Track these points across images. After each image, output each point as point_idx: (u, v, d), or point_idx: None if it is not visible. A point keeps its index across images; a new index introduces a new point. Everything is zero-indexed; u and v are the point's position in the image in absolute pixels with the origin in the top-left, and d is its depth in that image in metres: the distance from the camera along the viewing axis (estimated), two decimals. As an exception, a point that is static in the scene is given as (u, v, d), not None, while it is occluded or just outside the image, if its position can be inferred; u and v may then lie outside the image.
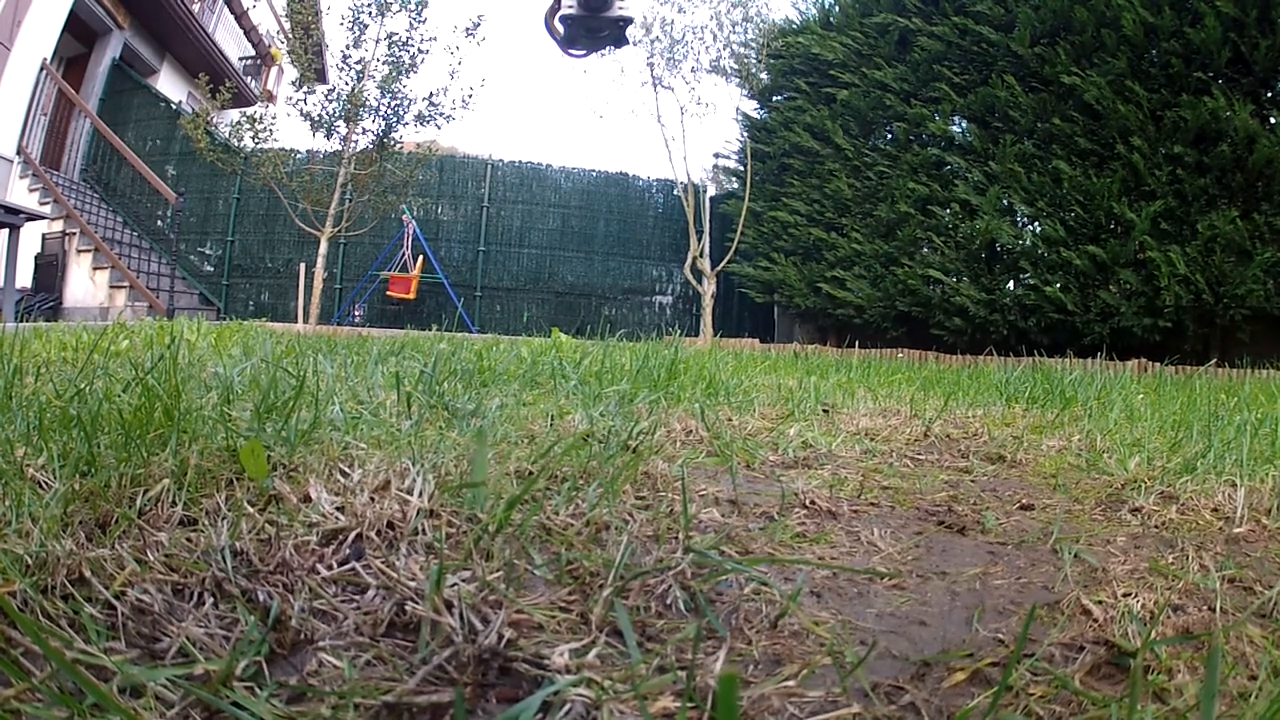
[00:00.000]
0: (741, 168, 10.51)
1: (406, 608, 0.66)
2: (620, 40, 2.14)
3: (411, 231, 10.74)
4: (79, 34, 11.09)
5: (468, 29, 9.72)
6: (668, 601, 0.74)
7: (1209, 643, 0.71)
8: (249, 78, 16.10)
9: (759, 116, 10.70)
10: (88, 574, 0.69)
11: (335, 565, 0.75)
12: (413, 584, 0.70)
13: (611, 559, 0.78)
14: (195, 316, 6.62)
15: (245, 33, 15.84)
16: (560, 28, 2.13)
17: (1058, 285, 7.36)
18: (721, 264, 10.26)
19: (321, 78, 10.58)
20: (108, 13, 11.17)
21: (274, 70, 17.24)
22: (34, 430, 1.04)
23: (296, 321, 9.37)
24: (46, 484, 0.88)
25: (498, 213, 11.68)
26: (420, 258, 10.86)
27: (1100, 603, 0.80)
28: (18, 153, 9.95)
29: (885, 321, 8.66)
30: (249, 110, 10.55)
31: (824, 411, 2.16)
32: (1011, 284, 8.02)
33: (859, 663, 0.65)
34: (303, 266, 10.04)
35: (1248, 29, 6.42)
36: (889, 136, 9.05)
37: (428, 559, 0.77)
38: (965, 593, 0.85)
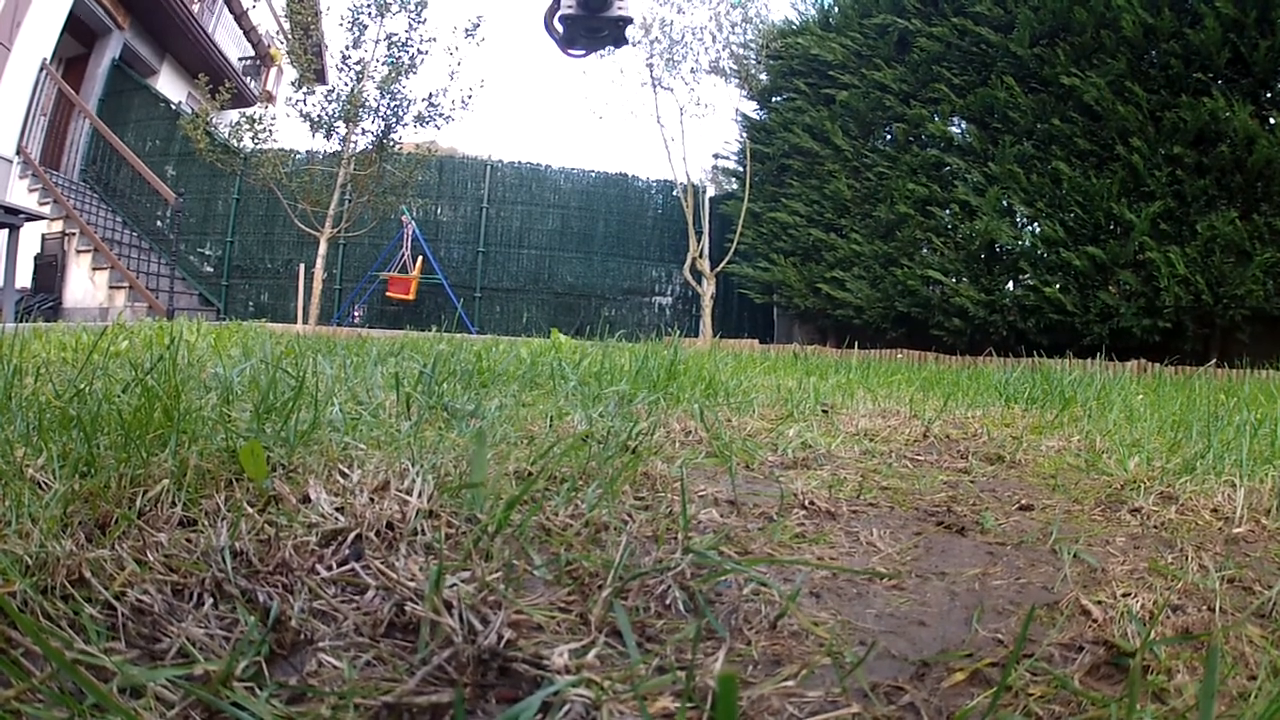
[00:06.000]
0: (741, 168, 10.51)
1: (406, 608, 0.66)
2: (620, 40, 2.14)
3: (411, 232, 10.74)
4: (79, 34, 11.09)
5: (467, 30, 9.73)
6: (667, 602, 0.74)
7: (1208, 643, 0.71)
8: (249, 78, 16.09)
9: (758, 117, 10.70)
10: (87, 574, 0.69)
11: (335, 566, 0.75)
12: (412, 584, 0.70)
13: (611, 559, 0.78)
14: (195, 317, 6.62)
15: (245, 33, 15.83)
16: (560, 28, 2.13)
17: (1057, 286, 7.36)
18: (721, 265, 10.27)
19: (321, 78, 10.58)
20: (107, 13, 11.17)
21: (273, 71, 17.24)
22: (34, 431, 1.04)
23: (296, 322, 9.36)
24: (46, 484, 0.88)
25: (497, 213, 11.68)
26: (420, 258, 10.87)
27: (1099, 603, 0.80)
28: (17, 153, 9.94)
29: (884, 322, 8.66)
30: (248, 111, 10.55)
31: (823, 412, 2.16)
32: (1011, 285, 8.02)
33: (858, 663, 0.65)
34: (302, 267, 10.04)
35: (1247, 30, 6.43)
36: (888, 137, 9.05)
37: (427, 559, 0.77)
38: (964, 593, 0.85)
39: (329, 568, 0.74)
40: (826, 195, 9.20)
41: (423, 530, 0.83)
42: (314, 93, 9.68)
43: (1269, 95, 6.72)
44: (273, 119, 9.63)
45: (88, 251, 9.64)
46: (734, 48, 10.65)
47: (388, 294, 10.81)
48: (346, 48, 9.66)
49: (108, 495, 0.85)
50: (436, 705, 0.54)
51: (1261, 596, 0.84)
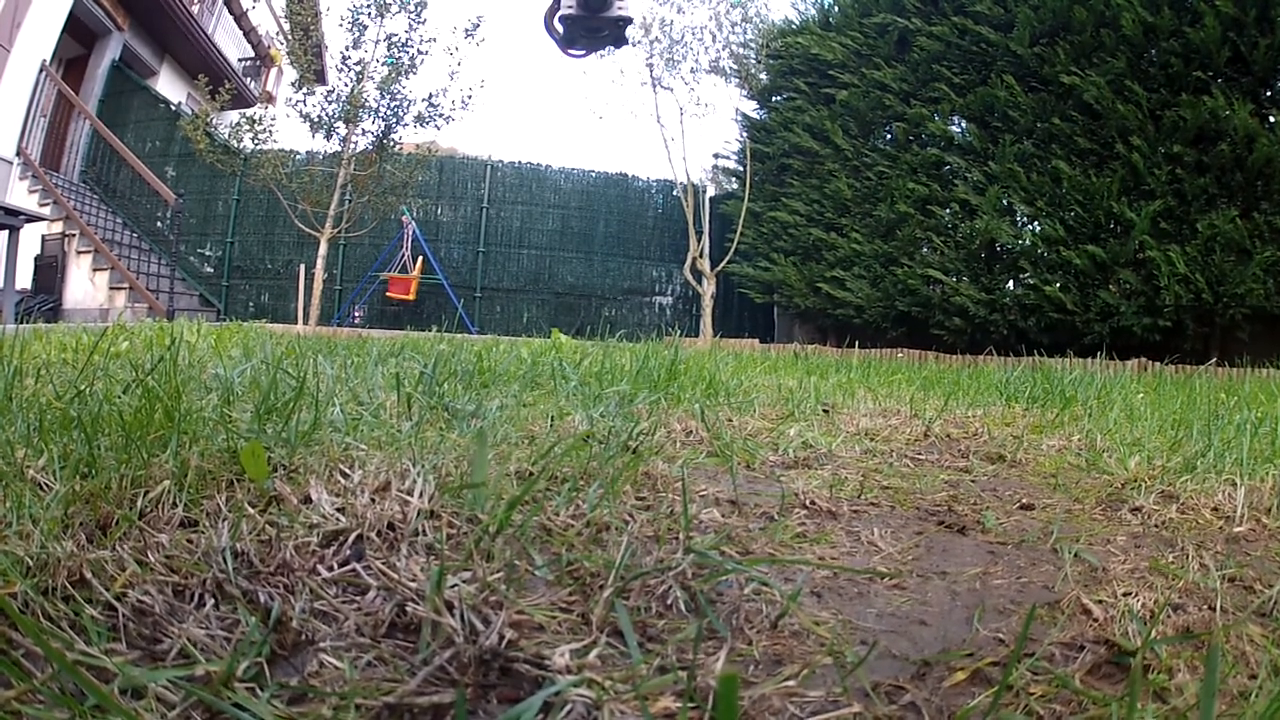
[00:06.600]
0: (741, 168, 10.51)
1: (407, 609, 0.66)
2: (620, 40, 2.14)
3: (411, 232, 10.74)
4: (78, 35, 11.08)
5: (467, 30, 9.73)
6: (668, 602, 0.74)
7: (1209, 642, 0.71)
8: (248, 79, 16.09)
9: (758, 117, 10.70)
10: (89, 575, 0.69)
11: (336, 566, 0.75)
12: (413, 585, 0.70)
13: (612, 559, 0.78)
14: (195, 318, 6.62)
15: (245, 34, 15.83)
16: (560, 28, 2.13)
17: (1057, 285, 7.36)
18: (721, 264, 10.26)
19: (321, 79, 10.58)
20: (107, 14, 11.17)
21: (273, 71, 17.24)
22: (34, 432, 1.04)
23: (296, 323, 9.36)
24: (47, 485, 0.88)
25: (497, 213, 11.68)
26: (420, 259, 10.87)
27: (1100, 602, 0.80)
28: (17, 154, 9.94)
29: (885, 321, 8.66)
30: (248, 111, 10.54)
31: (824, 412, 2.16)
32: (1011, 284, 8.02)
33: (859, 662, 0.65)
34: (302, 268, 10.04)
35: (1247, 28, 6.42)
36: (888, 137, 9.05)
37: (428, 560, 0.77)
38: (965, 592, 0.85)
39: (330, 568, 0.74)
40: (827, 195, 9.19)
41: (424, 531, 0.83)
42: (314, 93, 9.68)
43: (1269, 94, 6.72)
44: (273, 119, 9.63)
45: (88, 252, 9.64)
46: (734, 47, 10.65)
47: (388, 294, 10.81)
48: (346, 48, 9.67)
49: (109, 496, 0.85)
50: (438, 705, 0.54)
51: (1262, 595, 0.84)
